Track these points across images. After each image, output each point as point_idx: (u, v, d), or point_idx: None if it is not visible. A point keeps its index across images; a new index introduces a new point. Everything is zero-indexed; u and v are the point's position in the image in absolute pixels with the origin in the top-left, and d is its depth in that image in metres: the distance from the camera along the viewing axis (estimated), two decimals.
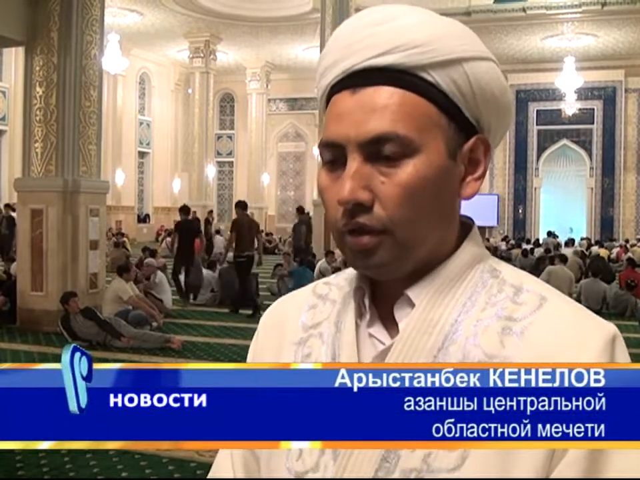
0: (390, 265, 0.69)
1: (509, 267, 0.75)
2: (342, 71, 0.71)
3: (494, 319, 0.69)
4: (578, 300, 8.69)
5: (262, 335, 0.84)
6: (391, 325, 0.73)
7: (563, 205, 24.72)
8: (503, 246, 17.86)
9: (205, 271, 11.05)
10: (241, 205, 10.27)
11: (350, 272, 0.80)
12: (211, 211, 21.45)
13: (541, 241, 19.13)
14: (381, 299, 0.75)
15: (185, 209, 11.22)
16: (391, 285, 0.73)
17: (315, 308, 0.81)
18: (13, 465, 3.97)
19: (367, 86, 0.69)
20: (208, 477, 0.85)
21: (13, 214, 14.21)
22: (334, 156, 0.70)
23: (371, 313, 0.74)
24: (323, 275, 11.26)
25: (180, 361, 6.69)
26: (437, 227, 0.70)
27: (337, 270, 11.68)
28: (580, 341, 0.65)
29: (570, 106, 21.97)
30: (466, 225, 0.77)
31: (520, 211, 25.09)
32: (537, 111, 24.66)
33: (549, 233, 20.38)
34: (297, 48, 24.24)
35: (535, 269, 11.58)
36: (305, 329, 0.79)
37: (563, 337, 0.66)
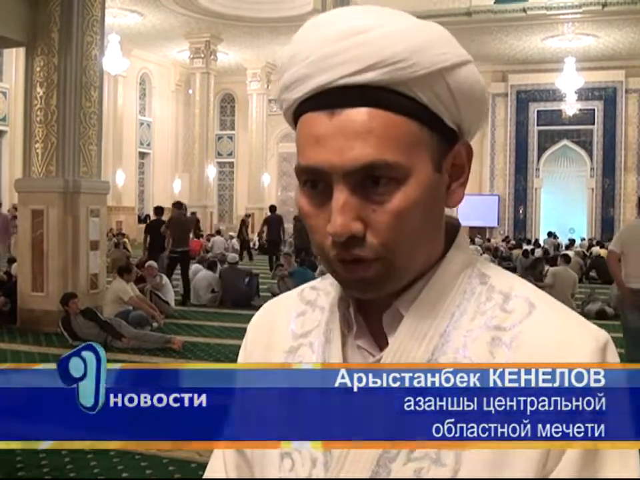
0: (386, 289, 0.68)
1: (497, 271, 0.73)
2: (313, 87, 0.65)
3: (483, 329, 0.68)
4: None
5: (251, 340, 0.83)
6: (379, 336, 0.72)
7: (564, 206, 24.71)
8: (503, 246, 17.86)
9: (205, 271, 11.05)
10: (176, 205, 11.91)
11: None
12: (248, 215, 21.51)
13: (541, 242, 19.13)
14: (367, 309, 0.73)
15: (158, 209, 12.43)
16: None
17: (304, 315, 0.79)
18: (14, 465, 3.97)
19: (345, 106, 0.64)
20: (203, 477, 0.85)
21: None
22: (314, 180, 0.67)
23: (357, 324, 0.73)
24: (323, 274, 11.27)
25: (180, 362, 6.70)
26: (427, 242, 0.69)
27: None
28: (569, 352, 0.64)
29: (570, 106, 21.96)
30: (451, 227, 0.75)
31: (520, 211, 25.08)
32: (538, 111, 24.64)
33: (550, 234, 20.37)
34: None
35: (533, 269, 11.57)
36: (295, 338, 0.78)
37: (551, 347, 0.65)
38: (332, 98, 0.65)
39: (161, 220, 11.93)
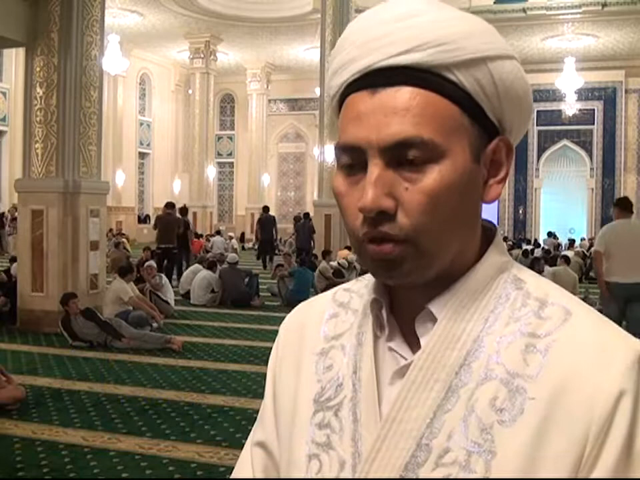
0: (413, 275, 0.67)
1: (533, 277, 0.72)
2: (360, 69, 0.67)
3: (517, 335, 0.66)
4: None
5: (282, 342, 0.83)
6: (412, 339, 0.70)
7: (564, 206, 24.73)
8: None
9: (205, 271, 11.05)
10: (166, 205, 13.18)
11: (370, 277, 0.77)
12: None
13: (541, 242, 19.12)
14: (400, 311, 0.72)
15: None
16: (411, 296, 0.71)
17: (337, 317, 0.78)
18: (14, 465, 3.98)
19: (388, 86, 0.65)
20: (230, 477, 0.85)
21: None
22: (352, 159, 0.67)
23: (390, 326, 0.72)
24: (322, 274, 11.26)
25: (180, 362, 6.70)
26: (460, 233, 0.68)
27: (336, 270, 11.69)
28: (603, 362, 0.63)
29: (570, 106, 21.98)
30: (487, 230, 0.74)
31: (520, 211, 25.09)
32: (537, 111, 24.64)
33: (550, 234, 20.39)
34: (297, 49, 24.25)
35: (531, 269, 11.56)
36: (327, 340, 0.77)
37: (586, 356, 0.63)
38: (375, 78, 0.66)
39: (185, 220, 13.38)
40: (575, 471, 0.61)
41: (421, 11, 0.66)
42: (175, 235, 12.64)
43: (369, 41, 0.66)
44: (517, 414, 0.63)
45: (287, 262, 12.29)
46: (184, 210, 14.02)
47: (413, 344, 0.70)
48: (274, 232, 16.89)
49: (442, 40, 0.65)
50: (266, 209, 17.56)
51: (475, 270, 0.70)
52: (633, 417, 0.61)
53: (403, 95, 0.64)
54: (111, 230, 19.38)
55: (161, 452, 4.21)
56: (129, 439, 4.45)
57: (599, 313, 0.69)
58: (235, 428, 4.67)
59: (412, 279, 0.67)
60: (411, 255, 0.65)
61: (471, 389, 0.65)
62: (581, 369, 0.63)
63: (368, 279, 0.78)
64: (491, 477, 0.61)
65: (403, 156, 0.64)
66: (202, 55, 23.35)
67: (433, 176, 0.64)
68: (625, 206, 6.39)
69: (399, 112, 0.64)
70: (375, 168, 0.64)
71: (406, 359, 0.70)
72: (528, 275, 0.72)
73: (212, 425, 4.75)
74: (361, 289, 0.79)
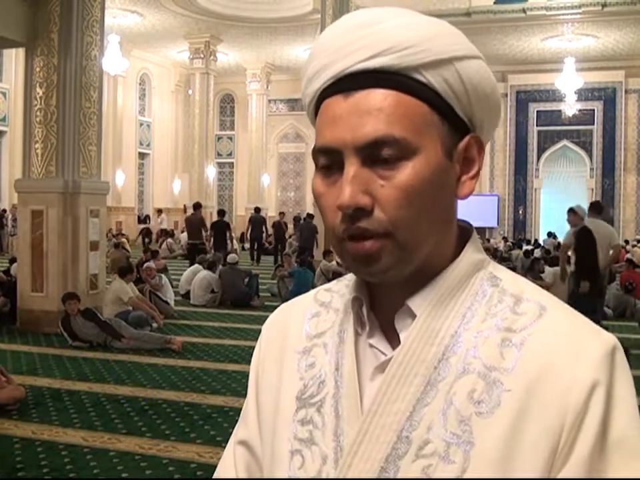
0: (392, 270, 0.69)
1: (508, 274, 0.74)
2: (332, 75, 0.70)
3: (494, 330, 0.68)
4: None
5: (265, 341, 0.84)
6: (391, 335, 0.72)
7: (564, 206, 24.63)
8: (502, 247, 17.84)
9: (204, 272, 11.05)
10: (194, 207, 14.90)
11: (350, 277, 0.79)
12: (283, 213, 21.98)
13: (541, 242, 19.10)
14: (380, 308, 0.74)
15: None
16: (390, 293, 0.73)
17: (318, 316, 0.80)
18: (14, 465, 3.98)
19: (360, 89, 0.68)
20: (213, 477, 0.85)
21: None
22: (329, 161, 0.69)
23: (370, 323, 0.74)
24: (324, 274, 11.26)
25: (180, 362, 6.70)
26: (436, 227, 0.70)
27: (335, 272, 11.68)
28: (577, 354, 0.65)
29: (570, 107, 21.97)
30: (464, 230, 0.77)
31: (520, 211, 25.09)
32: (537, 111, 24.66)
33: (550, 234, 20.38)
34: (297, 49, 24.25)
35: (530, 269, 11.58)
36: (309, 338, 0.79)
37: (561, 349, 0.66)
38: (348, 82, 0.69)
39: (224, 221, 14.97)
40: (552, 460, 0.63)
41: (385, 17, 0.70)
42: (201, 232, 14.26)
43: (339, 49, 0.70)
44: (494, 406, 0.65)
45: (287, 262, 12.28)
46: (222, 212, 15.61)
47: (393, 340, 0.72)
48: (264, 230, 18.58)
49: (407, 43, 0.68)
50: (257, 209, 19.14)
51: (453, 267, 0.72)
52: (606, 407, 0.63)
53: (375, 96, 0.68)
54: (110, 230, 19.38)
55: (161, 452, 4.21)
56: (128, 439, 4.45)
57: (572, 309, 0.71)
58: (234, 428, 4.68)
59: (391, 274, 0.69)
60: (390, 249, 0.67)
61: (450, 383, 0.67)
62: (556, 361, 0.65)
63: (349, 279, 0.80)
64: (470, 466, 0.63)
65: (377, 154, 0.67)
66: (202, 55, 23.33)
67: (406, 172, 0.67)
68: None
69: (372, 112, 0.67)
70: (351, 167, 0.67)
71: (386, 355, 0.71)
72: (504, 272, 0.75)
73: (212, 425, 4.75)
74: (341, 288, 0.82)
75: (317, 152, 0.70)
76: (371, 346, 0.73)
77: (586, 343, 0.66)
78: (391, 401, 0.68)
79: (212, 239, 14.45)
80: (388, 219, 0.67)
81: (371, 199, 0.67)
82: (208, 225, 15.20)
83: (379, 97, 0.67)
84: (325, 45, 0.71)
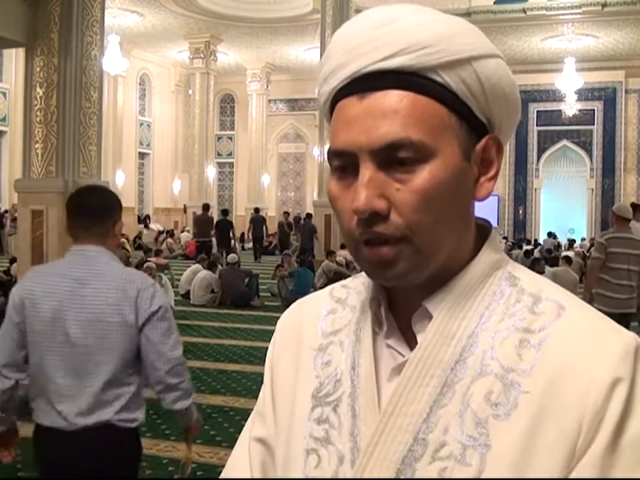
0: (409, 275, 0.67)
1: (527, 273, 0.73)
2: (347, 75, 0.68)
3: (512, 331, 0.67)
4: None
5: (279, 339, 0.84)
6: (409, 336, 0.72)
7: (563, 206, 24.72)
8: (502, 247, 17.83)
9: (204, 272, 11.05)
10: (203, 207, 17.08)
11: (366, 275, 0.78)
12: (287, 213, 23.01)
13: (541, 242, 19.09)
14: (398, 309, 0.73)
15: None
16: (407, 294, 0.72)
17: (334, 313, 0.79)
18: (13, 465, 3.97)
19: (375, 90, 0.66)
20: (222, 474, 0.84)
21: None
22: (344, 163, 0.68)
23: (388, 323, 0.73)
24: (325, 274, 11.26)
25: None
26: (454, 231, 0.69)
27: (337, 272, 11.68)
28: (596, 353, 0.63)
29: (570, 107, 21.96)
30: (482, 228, 0.75)
31: (520, 211, 25.08)
32: (537, 111, 24.65)
33: (550, 234, 20.39)
34: (297, 49, 24.24)
35: (530, 269, 11.58)
36: (325, 336, 0.78)
37: (579, 349, 0.64)
38: (363, 83, 0.67)
39: (227, 220, 16.47)
40: (569, 462, 0.62)
41: (402, 15, 0.68)
42: (210, 231, 16.12)
43: (355, 48, 0.68)
44: (512, 408, 0.64)
45: (287, 262, 12.28)
46: (225, 211, 17.58)
47: (411, 341, 0.71)
48: (264, 230, 19.84)
49: (424, 43, 0.66)
50: (257, 210, 20.57)
51: (470, 267, 0.71)
52: (626, 406, 0.62)
53: (391, 98, 0.66)
54: None
55: (161, 452, 4.22)
56: None
57: (592, 308, 0.70)
58: (234, 428, 4.67)
59: (408, 279, 0.68)
60: (407, 254, 0.66)
61: (467, 384, 0.66)
62: (574, 361, 0.64)
63: (365, 275, 0.78)
64: (486, 469, 0.62)
65: (393, 157, 0.65)
66: (202, 55, 23.32)
67: (423, 175, 0.65)
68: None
69: (388, 115, 0.65)
70: (366, 171, 0.66)
71: (403, 356, 0.71)
72: (522, 272, 0.74)
73: (212, 425, 4.75)
74: (358, 285, 0.80)
75: (332, 154, 0.69)
76: (389, 346, 0.73)
77: (606, 341, 0.64)
78: (407, 402, 0.67)
79: (216, 238, 15.59)
80: (405, 223, 0.65)
81: (387, 203, 0.65)
82: None
83: (394, 98, 0.66)
84: (341, 43, 0.70)
